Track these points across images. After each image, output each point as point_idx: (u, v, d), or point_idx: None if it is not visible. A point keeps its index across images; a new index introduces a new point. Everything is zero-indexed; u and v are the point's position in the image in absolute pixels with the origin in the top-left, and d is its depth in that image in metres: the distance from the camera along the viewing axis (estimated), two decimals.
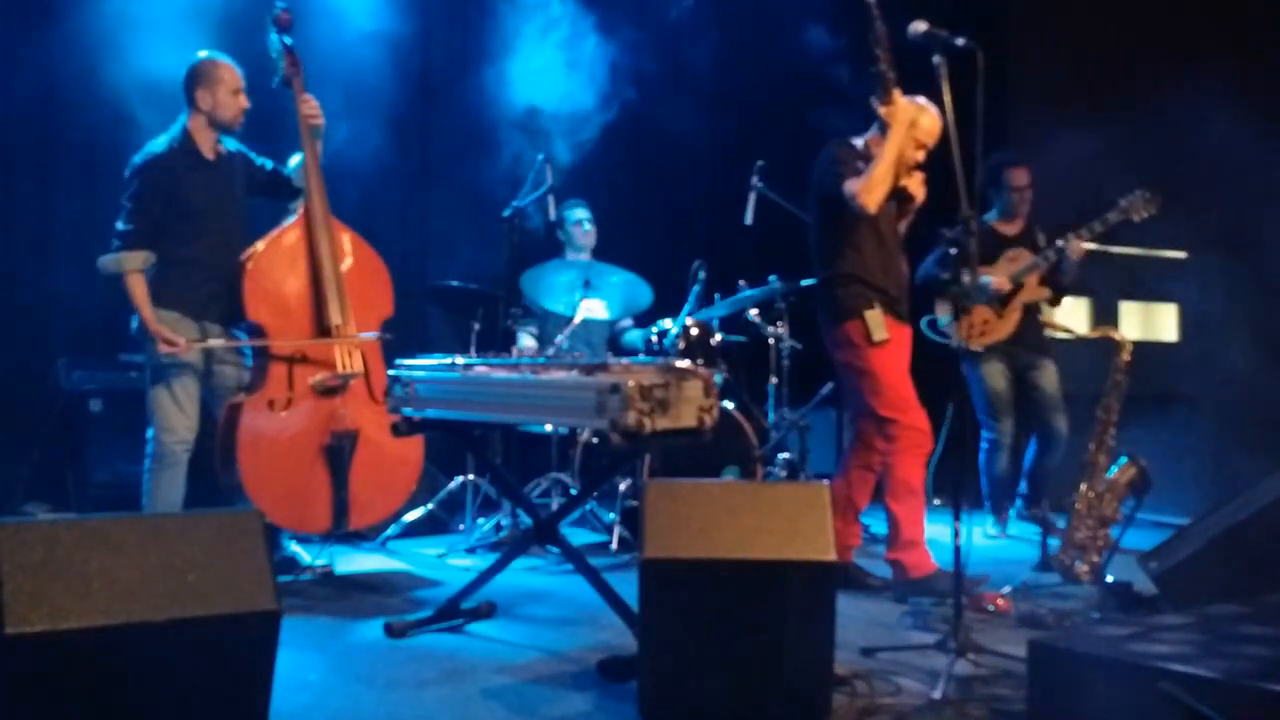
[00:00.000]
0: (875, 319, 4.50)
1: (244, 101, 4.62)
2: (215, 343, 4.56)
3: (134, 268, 4.41)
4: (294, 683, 3.27)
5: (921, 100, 4.52)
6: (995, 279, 5.81)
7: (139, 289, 4.42)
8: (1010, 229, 6.01)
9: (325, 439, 4.53)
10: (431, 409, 3.89)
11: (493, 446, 5.76)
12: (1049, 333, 6.10)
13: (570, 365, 3.84)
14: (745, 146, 6.52)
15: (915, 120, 4.49)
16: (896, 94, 4.45)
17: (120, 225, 4.46)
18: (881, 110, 4.48)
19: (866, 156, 4.56)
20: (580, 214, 6.10)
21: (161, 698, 2.42)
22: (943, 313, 5.82)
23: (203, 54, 4.61)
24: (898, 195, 4.58)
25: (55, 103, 5.72)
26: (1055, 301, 6.09)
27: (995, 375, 5.98)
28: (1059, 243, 5.69)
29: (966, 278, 3.64)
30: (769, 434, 6.00)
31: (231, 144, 4.71)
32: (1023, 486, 6.16)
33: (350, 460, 4.55)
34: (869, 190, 4.42)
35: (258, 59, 4.76)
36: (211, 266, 4.55)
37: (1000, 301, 5.85)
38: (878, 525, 5.44)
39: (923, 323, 5.76)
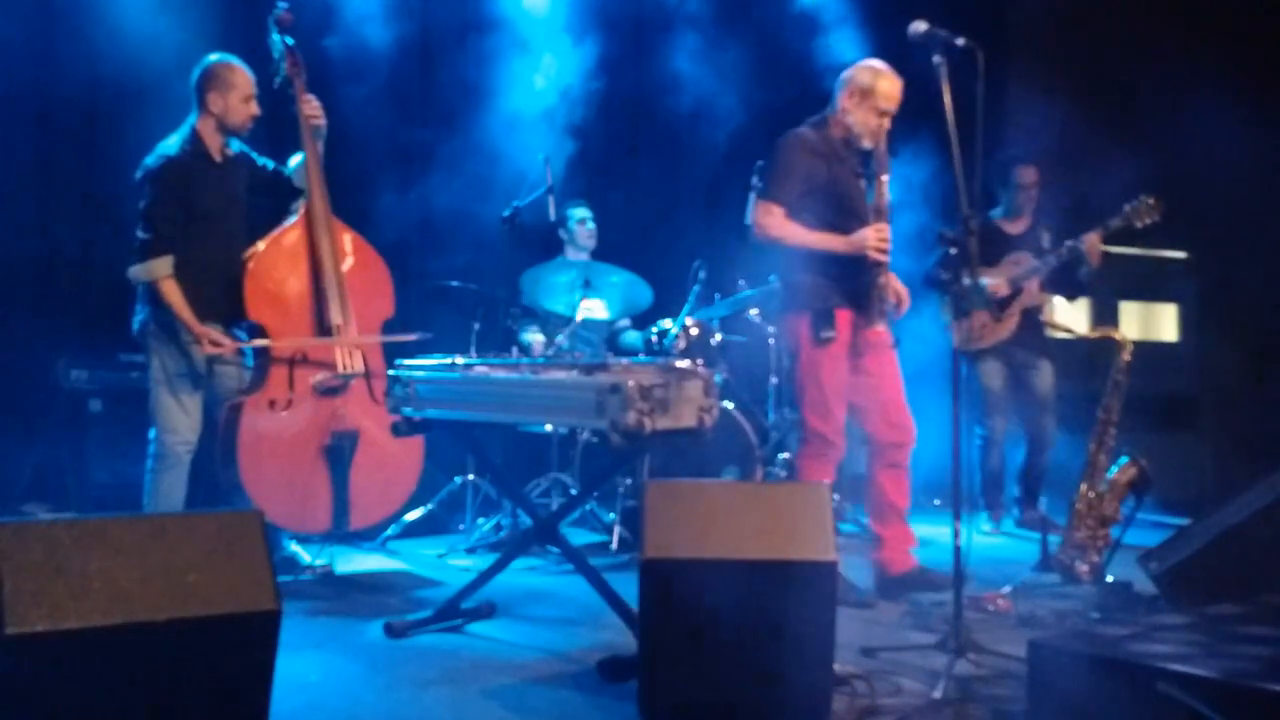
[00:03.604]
0: (822, 316, 4.41)
1: (254, 108, 4.60)
2: (260, 342, 4.55)
3: (164, 274, 4.41)
4: (294, 683, 3.26)
5: (879, 65, 4.45)
6: (992, 282, 5.80)
7: (174, 294, 4.42)
8: (1014, 228, 6.02)
9: (326, 439, 4.54)
10: (431, 409, 3.89)
11: (493, 446, 5.76)
12: (1050, 333, 6.11)
13: (570, 365, 3.84)
14: (745, 146, 6.52)
15: (873, 86, 4.40)
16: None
17: (143, 234, 4.44)
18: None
19: (816, 146, 4.47)
20: (582, 213, 6.11)
21: (161, 698, 2.42)
22: (947, 314, 5.81)
23: (214, 57, 4.58)
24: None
25: (55, 101, 5.71)
26: (1071, 299, 6.14)
27: (991, 375, 6.06)
28: (1070, 242, 5.66)
29: (966, 279, 3.62)
30: (769, 434, 6.00)
31: (235, 145, 4.70)
32: (1016, 491, 6.18)
33: (350, 460, 4.56)
34: (776, 233, 4.39)
35: (249, 56, 4.75)
36: (214, 267, 4.54)
37: (999, 306, 5.86)
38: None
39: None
